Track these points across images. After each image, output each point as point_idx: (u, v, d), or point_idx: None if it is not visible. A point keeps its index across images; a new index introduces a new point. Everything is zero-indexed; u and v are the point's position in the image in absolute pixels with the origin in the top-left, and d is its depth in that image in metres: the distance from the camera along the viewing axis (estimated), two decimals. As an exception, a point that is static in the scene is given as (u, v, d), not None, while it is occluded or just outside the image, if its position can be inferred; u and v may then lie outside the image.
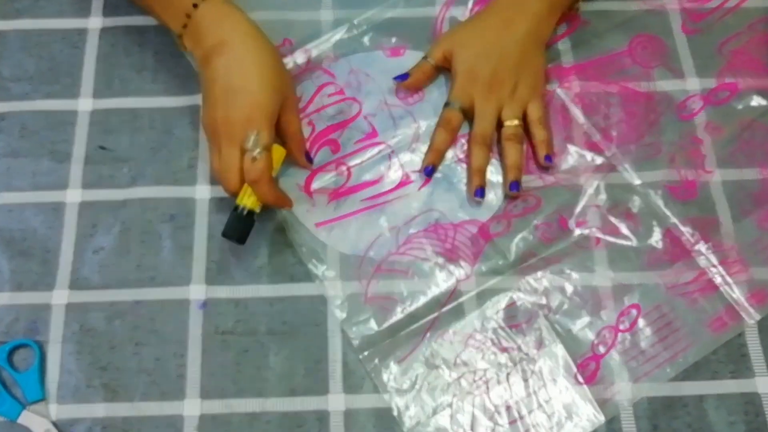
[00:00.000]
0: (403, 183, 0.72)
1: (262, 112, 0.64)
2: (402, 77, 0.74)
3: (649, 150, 0.73)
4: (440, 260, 0.68)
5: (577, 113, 0.74)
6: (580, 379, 0.64)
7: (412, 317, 0.66)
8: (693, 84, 0.76)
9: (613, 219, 0.70)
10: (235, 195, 0.66)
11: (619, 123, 0.74)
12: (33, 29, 0.78)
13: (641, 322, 0.66)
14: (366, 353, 0.65)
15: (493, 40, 0.73)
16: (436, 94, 0.75)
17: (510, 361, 0.65)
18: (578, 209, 0.70)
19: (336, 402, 0.64)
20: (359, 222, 0.70)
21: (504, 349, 0.65)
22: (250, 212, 0.66)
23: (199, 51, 0.68)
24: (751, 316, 0.67)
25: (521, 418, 0.63)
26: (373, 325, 0.66)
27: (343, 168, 0.72)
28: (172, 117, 0.74)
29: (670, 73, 0.76)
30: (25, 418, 0.63)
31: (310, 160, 0.71)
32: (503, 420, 0.63)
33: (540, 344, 0.66)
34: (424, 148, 0.73)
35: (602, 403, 0.64)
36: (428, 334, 0.66)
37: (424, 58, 0.75)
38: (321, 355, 0.65)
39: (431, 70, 0.75)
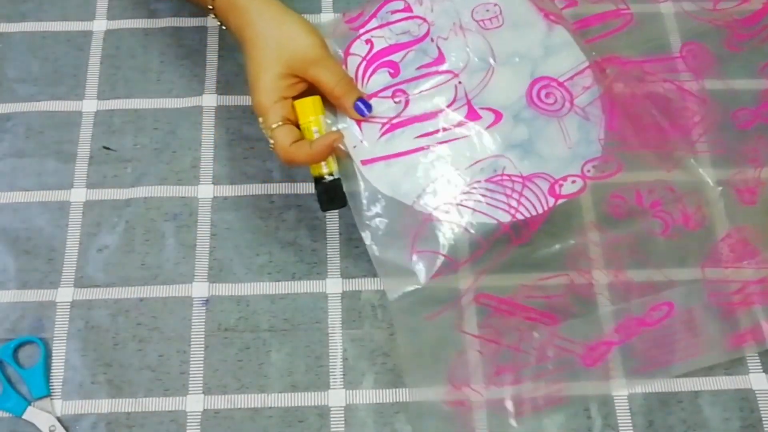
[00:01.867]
0: (470, 119, 0.63)
1: (260, 99, 0.63)
2: None
3: (720, 148, 0.70)
4: (503, 217, 0.61)
5: (646, 105, 0.69)
6: (586, 360, 0.62)
7: (454, 276, 0.63)
8: (742, 97, 0.74)
9: (685, 208, 0.66)
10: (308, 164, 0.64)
11: (683, 120, 0.70)
12: (38, 31, 0.79)
13: (668, 321, 0.64)
14: (397, 299, 0.62)
15: None
16: (516, 18, 0.66)
17: (527, 329, 0.62)
18: (656, 186, 0.66)
19: (336, 397, 0.64)
20: (412, 162, 0.62)
21: (527, 318, 0.62)
22: (330, 178, 0.63)
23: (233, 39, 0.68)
24: None
25: (516, 382, 0.62)
26: (418, 279, 0.62)
27: (401, 96, 0.64)
28: (176, 118, 0.75)
29: (721, 83, 0.74)
30: (31, 414, 0.64)
31: (365, 107, 0.63)
32: (499, 380, 0.61)
33: (561, 319, 0.63)
34: (496, 83, 0.64)
35: (597, 389, 0.63)
36: (464, 298, 0.63)
37: None
38: (322, 352, 0.66)
39: None
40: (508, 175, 0.61)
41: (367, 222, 0.62)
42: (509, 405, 0.62)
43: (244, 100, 0.75)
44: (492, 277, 0.64)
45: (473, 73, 0.64)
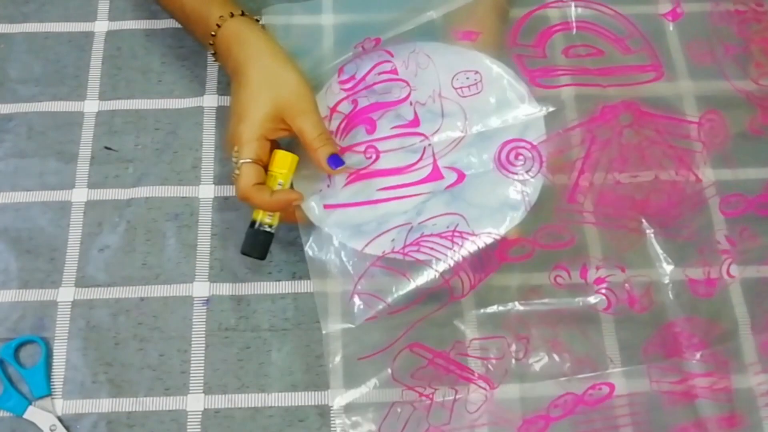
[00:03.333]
0: (431, 179, 0.67)
1: (244, 130, 0.65)
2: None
3: (682, 232, 0.68)
4: (444, 270, 0.63)
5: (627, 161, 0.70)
6: None
7: (391, 320, 0.64)
8: (743, 183, 0.72)
9: (632, 289, 0.66)
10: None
11: (662, 192, 0.69)
12: (39, 32, 0.79)
13: (608, 403, 0.63)
14: (333, 332, 0.64)
15: None
16: (495, 94, 0.69)
17: (462, 389, 0.63)
18: (603, 264, 0.67)
19: (337, 396, 0.64)
20: (369, 212, 0.66)
21: (462, 377, 0.63)
22: (267, 227, 0.65)
23: (227, 71, 0.70)
24: None
25: None
26: (349, 322, 0.64)
27: (372, 151, 0.68)
28: (177, 118, 0.75)
29: (726, 164, 0.72)
30: (32, 413, 0.64)
31: (336, 164, 0.66)
32: None
33: (499, 383, 0.63)
34: (465, 147, 0.67)
35: None
36: (398, 342, 0.64)
37: None
38: (322, 351, 0.66)
39: None
40: (459, 232, 0.64)
41: (317, 261, 0.66)
42: None
43: (245, 101, 0.75)
44: (428, 329, 0.65)
45: (444, 137, 0.68)
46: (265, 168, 0.66)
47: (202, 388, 0.65)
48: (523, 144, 0.67)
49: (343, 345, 0.64)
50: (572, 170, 0.68)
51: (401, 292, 0.63)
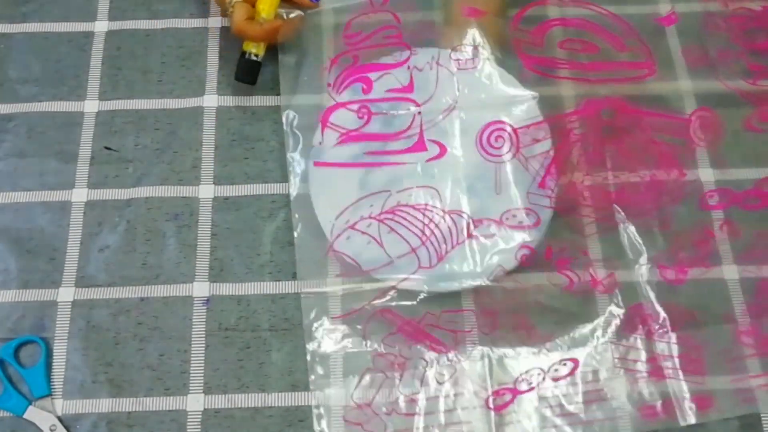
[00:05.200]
0: (415, 149, 0.70)
1: None
2: None
3: (657, 223, 0.70)
4: (414, 241, 0.67)
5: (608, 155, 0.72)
6: (491, 404, 0.63)
7: (362, 282, 0.67)
8: (730, 180, 0.72)
9: (594, 271, 0.68)
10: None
11: (640, 185, 0.71)
12: (39, 32, 0.79)
13: (573, 378, 0.64)
14: (307, 293, 0.67)
15: None
16: (488, 73, 0.72)
17: (432, 359, 0.65)
18: (568, 246, 0.69)
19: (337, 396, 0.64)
20: (353, 175, 0.69)
21: (431, 347, 0.65)
22: (255, 57, 0.73)
23: None
24: (685, 419, 0.63)
25: (419, 414, 0.63)
26: (324, 274, 0.68)
27: (365, 111, 0.71)
28: (177, 118, 0.75)
29: (713, 162, 0.73)
30: (31, 413, 0.64)
31: None
32: (401, 408, 0.63)
33: (468, 356, 0.65)
34: (452, 121, 0.70)
35: None
36: (371, 305, 0.66)
37: None
38: (322, 351, 0.66)
39: None
40: (432, 206, 0.68)
41: (299, 220, 0.70)
42: None
43: (244, 101, 0.76)
44: (399, 298, 0.67)
45: (435, 107, 0.71)
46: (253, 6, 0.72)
47: (202, 388, 0.65)
48: (505, 127, 0.70)
49: (318, 305, 0.67)
50: (546, 158, 0.71)
51: (372, 256, 0.67)
